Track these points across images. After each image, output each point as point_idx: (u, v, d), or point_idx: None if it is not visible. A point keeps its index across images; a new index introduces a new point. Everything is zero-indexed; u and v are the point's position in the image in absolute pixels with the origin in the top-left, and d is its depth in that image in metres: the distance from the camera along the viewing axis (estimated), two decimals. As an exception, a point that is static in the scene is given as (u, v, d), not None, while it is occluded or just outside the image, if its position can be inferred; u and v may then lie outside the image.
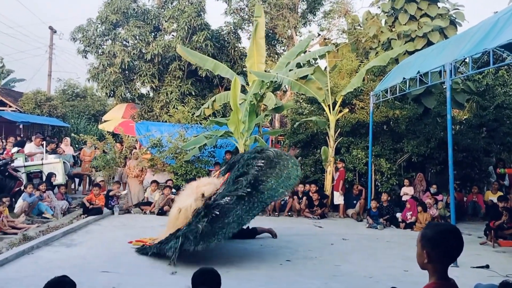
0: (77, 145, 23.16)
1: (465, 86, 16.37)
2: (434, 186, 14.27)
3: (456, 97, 15.25)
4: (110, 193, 13.39)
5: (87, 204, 12.15)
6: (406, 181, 14.37)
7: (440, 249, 2.36)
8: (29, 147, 14.76)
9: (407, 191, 14.08)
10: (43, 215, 11.60)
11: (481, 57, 9.29)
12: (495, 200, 12.87)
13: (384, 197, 13.41)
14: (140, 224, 11.78)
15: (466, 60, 9.95)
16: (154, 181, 14.41)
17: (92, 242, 9.63)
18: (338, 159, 14.70)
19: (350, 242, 10.61)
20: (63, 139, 18.48)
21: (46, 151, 14.61)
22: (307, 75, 14.30)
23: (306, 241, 10.48)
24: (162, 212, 13.06)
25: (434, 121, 15.64)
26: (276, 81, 14.60)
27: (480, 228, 11.65)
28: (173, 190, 13.78)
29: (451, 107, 9.84)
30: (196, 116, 17.35)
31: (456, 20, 16.22)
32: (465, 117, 18.48)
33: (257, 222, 11.59)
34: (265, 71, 17.67)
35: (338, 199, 14.46)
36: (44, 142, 14.98)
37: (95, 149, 16.79)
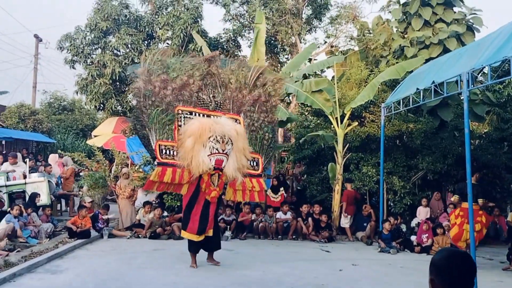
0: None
1: (484, 97, 16.37)
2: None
3: (474, 109, 15.25)
4: (99, 218, 13.29)
5: (74, 228, 12.12)
6: (423, 201, 14.33)
7: (444, 276, 2.35)
8: (5, 167, 14.74)
9: (422, 213, 14.02)
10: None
11: (501, 66, 9.32)
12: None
13: (392, 221, 13.37)
14: (132, 249, 11.73)
15: (484, 69, 9.97)
16: (147, 202, 14.33)
17: (80, 268, 9.57)
18: (345, 179, 14.65)
19: (360, 267, 10.56)
20: (51, 156, 18.54)
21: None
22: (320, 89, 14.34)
23: (312, 266, 10.41)
24: (155, 236, 13.01)
25: (451, 135, 15.62)
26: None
27: (503, 252, 11.58)
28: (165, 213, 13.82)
29: (469, 120, 9.84)
30: None
31: (474, 25, 16.32)
32: (484, 130, 18.44)
33: (260, 246, 11.56)
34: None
35: (343, 222, 14.45)
36: (28, 160, 14.99)
37: (79, 165, 16.75)
